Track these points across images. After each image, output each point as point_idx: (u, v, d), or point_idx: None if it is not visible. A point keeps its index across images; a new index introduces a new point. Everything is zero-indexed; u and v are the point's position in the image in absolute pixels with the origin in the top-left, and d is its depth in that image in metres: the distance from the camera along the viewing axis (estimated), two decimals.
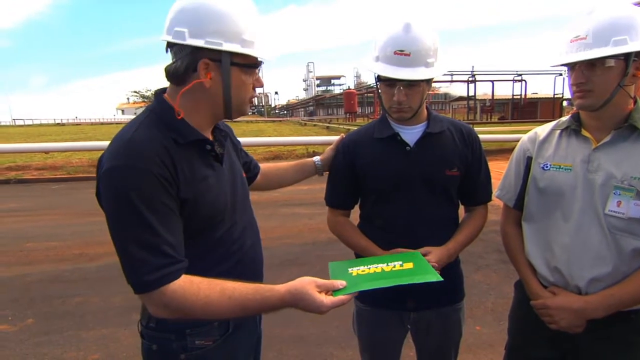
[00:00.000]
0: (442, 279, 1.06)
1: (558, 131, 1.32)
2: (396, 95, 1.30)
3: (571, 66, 1.17)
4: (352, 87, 73.72)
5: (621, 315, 1.18)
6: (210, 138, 1.12)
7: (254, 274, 1.19)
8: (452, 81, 33.59)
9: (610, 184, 1.16)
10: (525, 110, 32.77)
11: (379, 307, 1.48)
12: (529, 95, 35.08)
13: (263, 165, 1.57)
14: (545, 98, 35.03)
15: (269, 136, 18.93)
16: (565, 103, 30.24)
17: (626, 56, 1.09)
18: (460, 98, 42.95)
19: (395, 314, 1.48)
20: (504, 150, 13.23)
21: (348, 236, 1.52)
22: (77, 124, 67.44)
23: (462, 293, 1.53)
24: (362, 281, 1.06)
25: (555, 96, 31.99)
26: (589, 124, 1.24)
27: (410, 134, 1.40)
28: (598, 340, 1.22)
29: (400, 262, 1.15)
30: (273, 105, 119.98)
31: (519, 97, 32.53)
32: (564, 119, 1.34)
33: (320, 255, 4.36)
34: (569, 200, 1.23)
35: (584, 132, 1.24)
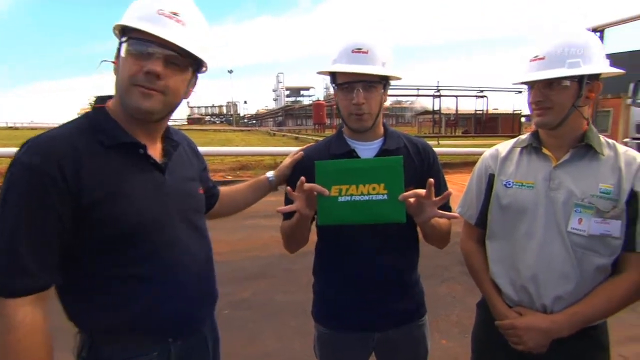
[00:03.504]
0: (405, 221, 1.15)
1: (519, 149, 1.35)
2: (355, 98, 1.26)
3: (531, 85, 1.23)
4: (321, 98, 74.33)
5: (581, 332, 1.20)
6: (157, 144, 1.08)
7: (185, 302, 1.08)
8: (418, 95, 34.58)
9: (571, 202, 1.19)
10: (487, 125, 34.19)
11: (340, 330, 1.43)
12: (490, 110, 36.65)
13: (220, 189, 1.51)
14: (506, 114, 36.62)
15: (237, 146, 18.68)
16: (523, 119, 31.81)
17: (580, 78, 1.14)
18: (426, 112, 44.19)
19: (358, 336, 1.43)
20: (468, 163, 13.70)
21: None
22: (33, 129, 64.09)
23: (424, 308, 1.51)
24: (337, 209, 1.13)
25: (515, 112, 33.57)
26: (548, 142, 1.28)
27: (367, 150, 1.37)
28: (561, 358, 1.23)
29: (376, 184, 1.14)
30: (242, 115, 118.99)
31: (481, 112, 33.94)
32: (523, 137, 1.37)
33: (287, 269, 4.29)
34: (532, 218, 1.25)
35: (545, 150, 1.28)
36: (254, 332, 3.06)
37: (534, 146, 1.30)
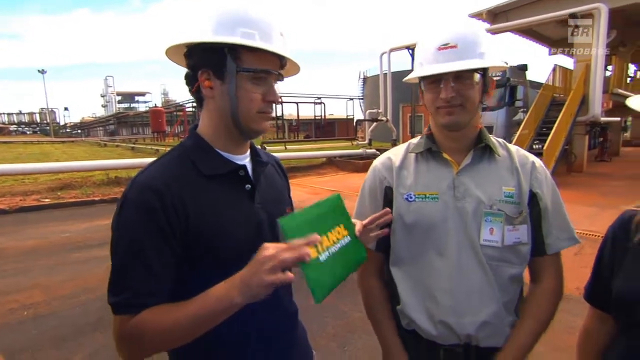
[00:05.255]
0: (366, 258, 0.99)
1: (413, 155, 1.18)
2: None
3: (435, 78, 1.05)
4: (159, 104, 68.97)
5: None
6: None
7: None
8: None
9: (480, 211, 1.06)
10: (326, 129, 37.00)
11: None
12: (328, 116, 39.76)
13: None
14: (341, 119, 40.27)
15: (57, 161, 15.63)
16: (357, 124, 35.36)
17: (484, 72, 1.05)
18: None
19: None
20: (313, 166, 14.43)
21: None
22: None
23: (312, 350, 1.25)
24: (325, 273, 0.83)
25: (348, 117, 37.19)
26: (447, 145, 1.13)
27: (248, 164, 1.05)
28: None
29: (338, 227, 0.92)
30: (62, 124, 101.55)
31: (320, 117, 36.54)
32: (414, 141, 1.22)
33: None
34: (442, 234, 1.08)
35: (445, 155, 1.12)
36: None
37: (433, 150, 1.14)
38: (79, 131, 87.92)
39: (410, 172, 1.16)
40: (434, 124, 1.15)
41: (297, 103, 35.27)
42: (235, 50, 0.88)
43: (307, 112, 40.84)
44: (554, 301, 1.10)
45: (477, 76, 1.03)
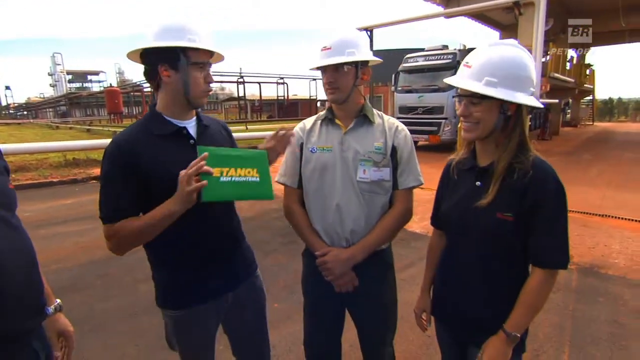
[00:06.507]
0: (273, 198, 1.42)
1: (319, 121, 1.70)
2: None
3: (323, 69, 1.57)
4: (114, 84, 65.81)
5: (372, 255, 1.59)
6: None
7: None
8: (222, 82, 34.40)
9: (357, 158, 1.57)
10: (289, 109, 36.85)
11: (197, 304, 1.48)
12: (291, 96, 39.61)
13: None
14: (304, 99, 40.26)
15: (4, 143, 14.99)
16: (319, 104, 35.64)
17: (356, 64, 1.55)
18: (232, 98, 44.58)
19: (214, 303, 1.51)
20: None
21: None
22: None
23: (255, 264, 1.70)
24: (219, 188, 1.28)
25: (311, 98, 37.24)
26: (339, 114, 1.65)
27: (192, 128, 1.47)
28: (362, 280, 1.60)
29: (250, 169, 1.38)
30: (5, 104, 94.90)
31: (282, 98, 36.34)
32: (322, 112, 1.73)
33: (102, 275, 3.90)
34: (332, 174, 1.59)
35: (337, 121, 1.64)
36: (79, 351, 2.74)
37: (329, 118, 1.66)
38: (25, 112, 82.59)
39: (315, 132, 1.69)
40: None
41: (259, 83, 34.77)
42: (184, 50, 1.32)
43: (270, 92, 40.29)
44: (398, 218, 1.62)
45: (346, 67, 1.54)
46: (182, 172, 1.23)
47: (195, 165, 1.22)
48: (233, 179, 1.32)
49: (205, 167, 1.23)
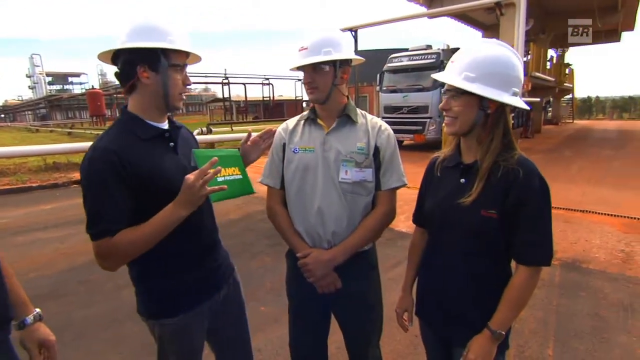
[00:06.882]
0: (254, 192, 1.47)
1: (302, 121, 1.67)
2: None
3: (303, 69, 1.54)
4: (96, 86, 64.57)
5: (355, 256, 1.58)
6: None
7: None
8: (207, 83, 34.02)
9: (339, 159, 1.55)
10: (275, 110, 36.69)
11: (188, 310, 1.43)
12: (277, 97, 39.43)
13: None
14: (290, 100, 40.11)
15: None
16: (304, 104, 35.59)
17: (334, 64, 1.52)
18: (217, 99, 44.18)
19: (206, 306, 1.50)
20: None
21: None
22: None
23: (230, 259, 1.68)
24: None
25: (297, 98, 37.19)
26: (322, 114, 1.63)
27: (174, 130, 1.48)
28: (345, 281, 1.59)
29: (234, 168, 1.45)
30: None
31: (268, 98, 36.20)
32: (305, 113, 1.71)
33: (84, 281, 3.79)
34: (314, 175, 1.57)
35: (319, 121, 1.62)
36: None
37: (312, 118, 1.63)
38: (2, 116, 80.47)
39: (298, 133, 1.66)
40: None
41: (244, 84, 34.53)
42: (165, 51, 1.27)
43: (256, 93, 40.13)
44: (381, 219, 1.60)
45: (325, 67, 1.51)
46: (191, 177, 1.20)
47: (212, 170, 1.23)
48: (225, 178, 1.38)
49: (212, 175, 1.24)
